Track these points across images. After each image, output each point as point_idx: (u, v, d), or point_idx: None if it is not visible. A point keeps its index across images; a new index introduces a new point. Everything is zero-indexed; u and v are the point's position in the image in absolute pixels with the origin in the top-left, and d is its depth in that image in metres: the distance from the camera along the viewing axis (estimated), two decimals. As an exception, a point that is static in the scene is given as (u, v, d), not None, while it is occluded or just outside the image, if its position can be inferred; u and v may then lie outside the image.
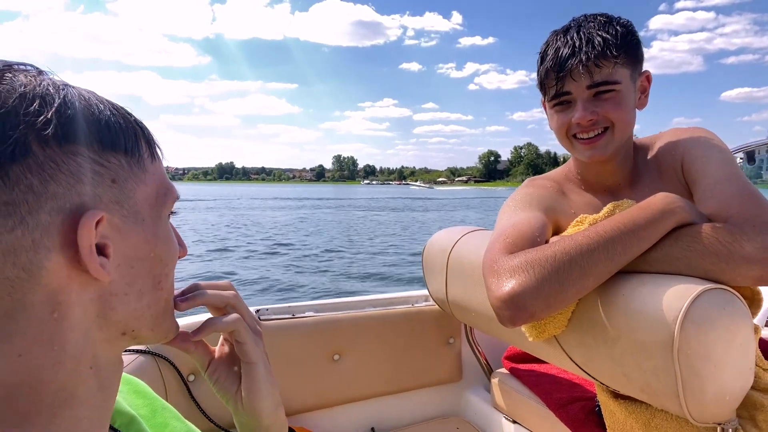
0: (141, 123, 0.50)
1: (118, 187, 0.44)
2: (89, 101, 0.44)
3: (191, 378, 1.31)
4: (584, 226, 1.04)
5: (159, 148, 0.51)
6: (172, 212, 0.52)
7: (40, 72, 0.44)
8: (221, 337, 0.66)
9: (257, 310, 1.48)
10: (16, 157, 0.38)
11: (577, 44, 1.04)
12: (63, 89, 0.43)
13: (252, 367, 0.62)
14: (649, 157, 1.17)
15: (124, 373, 0.54)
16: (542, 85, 1.13)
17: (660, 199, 0.96)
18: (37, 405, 0.41)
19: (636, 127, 1.16)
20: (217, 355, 0.65)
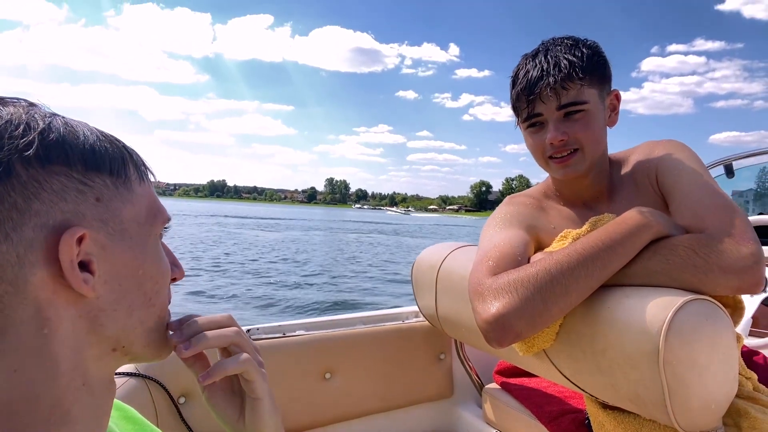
0: (130, 148, 0.51)
1: (103, 205, 0.46)
2: (75, 128, 0.46)
3: (182, 400, 1.30)
4: (568, 240, 1.06)
5: (150, 171, 0.53)
6: (164, 230, 0.53)
7: (31, 104, 0.46)
8: (218, 353, 0.65)
9: (248, 330, 1.47)
10: (1, 178, 0.40)
11: (544, 67, 1.08)
12: (49, 117, 0.45)
13: (258, 403, 0.61)
14: (625, 170, 1.19)
15: (114, 399, 0.54)
16: (515, 108, 1.17)
17: (634, 214, 0.98)
18: (33, 422, 0.42)
19: None
20: None
